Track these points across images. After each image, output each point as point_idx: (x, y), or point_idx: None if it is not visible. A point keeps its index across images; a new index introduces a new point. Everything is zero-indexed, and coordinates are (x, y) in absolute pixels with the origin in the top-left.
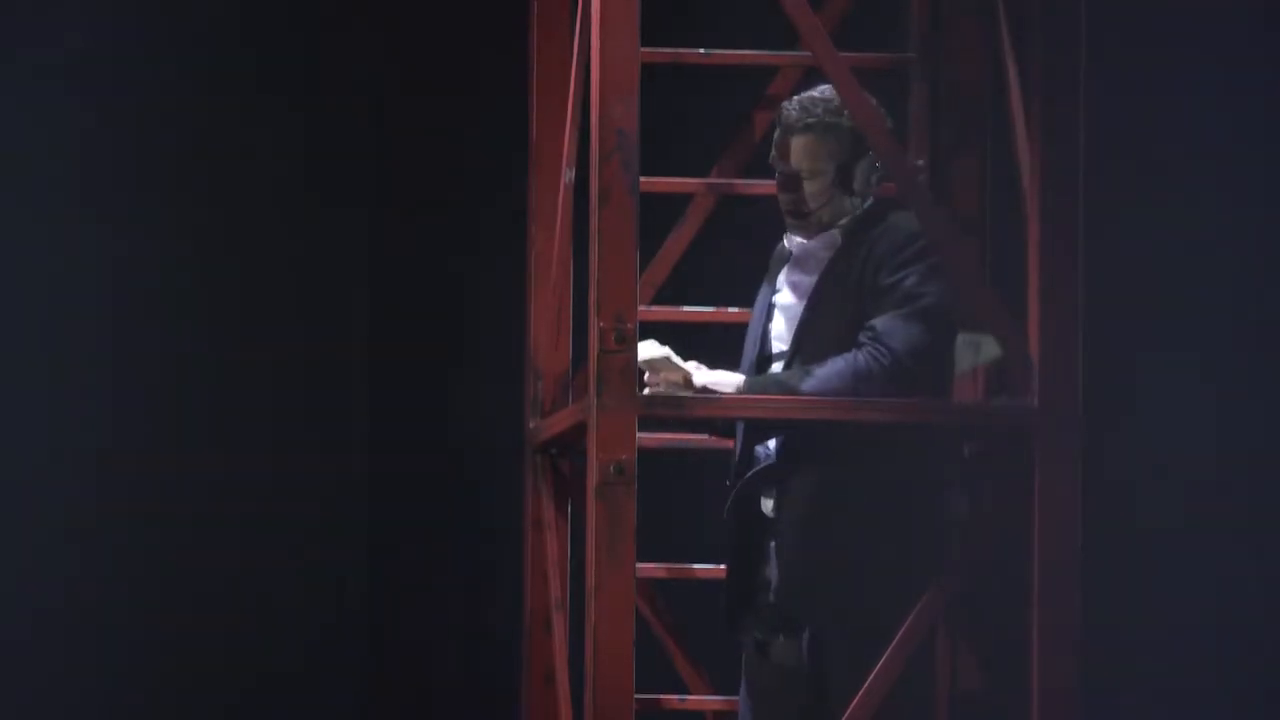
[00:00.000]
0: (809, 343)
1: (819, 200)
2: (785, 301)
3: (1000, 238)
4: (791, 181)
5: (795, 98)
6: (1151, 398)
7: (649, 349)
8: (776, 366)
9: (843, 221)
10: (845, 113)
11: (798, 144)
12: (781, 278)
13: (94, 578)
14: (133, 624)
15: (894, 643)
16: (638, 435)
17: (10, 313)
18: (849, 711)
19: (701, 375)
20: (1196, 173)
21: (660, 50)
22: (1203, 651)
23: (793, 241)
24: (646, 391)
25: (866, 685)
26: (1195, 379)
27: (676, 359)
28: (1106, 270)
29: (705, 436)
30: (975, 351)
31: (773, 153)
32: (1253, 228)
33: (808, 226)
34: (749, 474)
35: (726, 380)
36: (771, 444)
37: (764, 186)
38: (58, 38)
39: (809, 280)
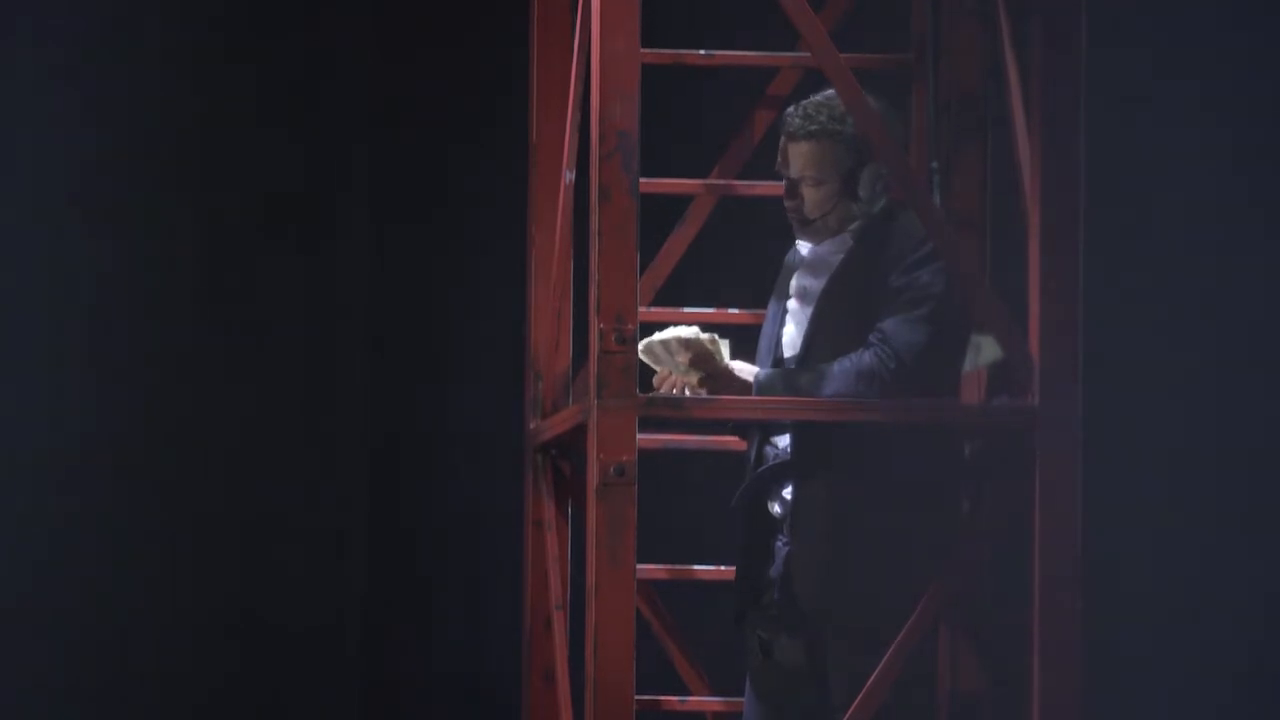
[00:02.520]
0: (820, 345)
1: (823, 208)
2: (796, 307)
3: (1000, 238)
4: (795, 188)
5: (799, 104)
6: (1150, 397)
7: (679, 330)
8: None
9: (852, 226)
10: (849, 119)
11: (801, 151)
12: (793, 284)
13: (93, 575)
14: (130, 624)
15: (895, 643)
16: (638, 435)
17: (8, 313)
18: (850, 711)
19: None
20: (1196, 172)
21: (660, 50)
22: (1203, 650)
23: (803, 247)
24: (665, 388)
25: (868, 685)
26: (1195, 378)
27: (724, 348)
28: (1106, 270)
29: (709, 436)
30: (975, 353)
31: (778, 158)
32: (1252, 227)
33: (814, 232)
34: (755, 474)
35: (747, 370)
36: (782, 444)
37: (764, 187)
38: (58, 37)
39: (819, 285)
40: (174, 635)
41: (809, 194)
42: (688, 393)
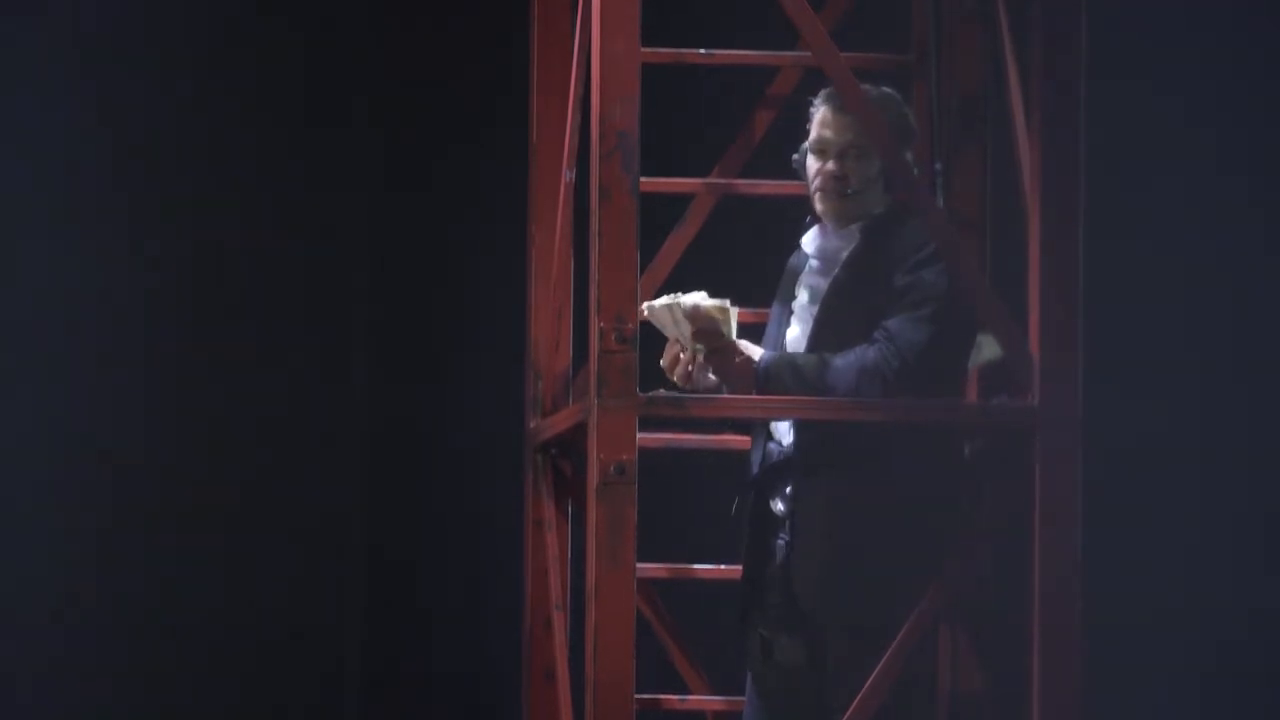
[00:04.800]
0: (826, 341)
1: (864, 181)
2: (803, 304)
3: (1000, 238)
4: (843, 154)
5: None
6: (1151, 397)
7: (688, 297)
8: None
9: (862, 222)
10: (890, 107)
11: (852, 121)
12: (800, 282)
13: (91, 576)
14: (129, 624)
15: (895, 642)
16: (638, 435)
17: (9, 312)
18: (851, 711)
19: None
20: (1198, 172)
21: (660, 50)
22: (1203, 650)
23: (809, 245)
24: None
25: (869, 684)
26: (1196, 378)
27: (733, 316)
28: (1106, 270)
29: (709, 436)
30: (975, 353)
31: (820, 133)
32: (1251, 227)
33: (848, 207)
34: (757, 472)
35: (754, 350)
36: (785, 440)
37: (765, 186)
38: (57, 36)
39: (826, 282)
40: (173, 635)
41: (855, 166)
42: (693, 369)
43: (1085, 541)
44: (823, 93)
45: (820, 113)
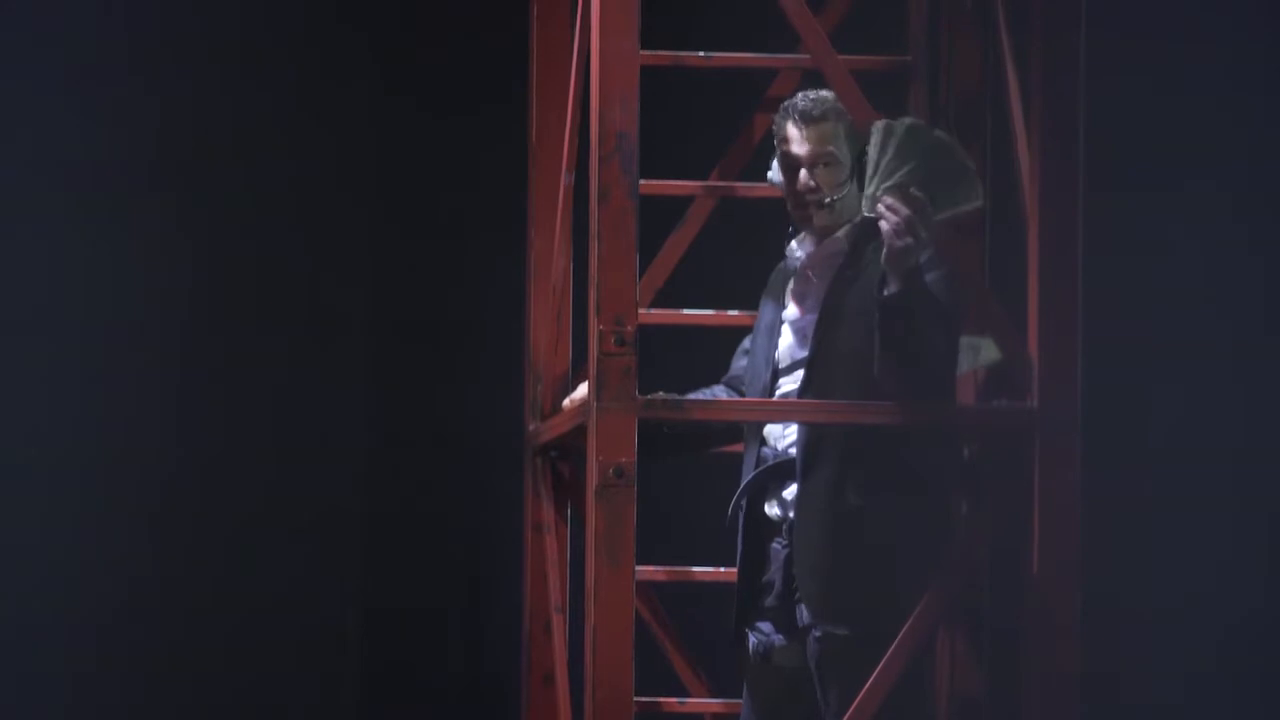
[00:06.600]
0: (828, 349)
1: (839, 189)
2: (794, 315)
3: (1000, 238)
4: (811, 165)
5: (798, 94)
6: (1150, 398)
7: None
8: (788, 382)
9: (843, 230)
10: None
11: (818, 131)
12: (790, 292)
13: (91, 576)
14: (128, 624)
15: (894, 644)
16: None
17: (8, 310)
18: (849, 713)
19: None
20: (1196, 173)
21: (660, 52)
22: (1203, 649)
23: (797, 252)
24: None
25: (867, 687)
26: (1194, 378)
27: None
28: (1106, 271)
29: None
30: (975, 354)
31: (785, 149)
32: (1250, 227)
33: (827, 218)
34: (751, 476)
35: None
36: (780, 445)
37: (764, 189)
38: (58, 35)
39: (818, 291)
40: (172, 635)
41: (825, 175)
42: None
43: (1085, 542)
44: (781, 108)
45: (783, 129)
